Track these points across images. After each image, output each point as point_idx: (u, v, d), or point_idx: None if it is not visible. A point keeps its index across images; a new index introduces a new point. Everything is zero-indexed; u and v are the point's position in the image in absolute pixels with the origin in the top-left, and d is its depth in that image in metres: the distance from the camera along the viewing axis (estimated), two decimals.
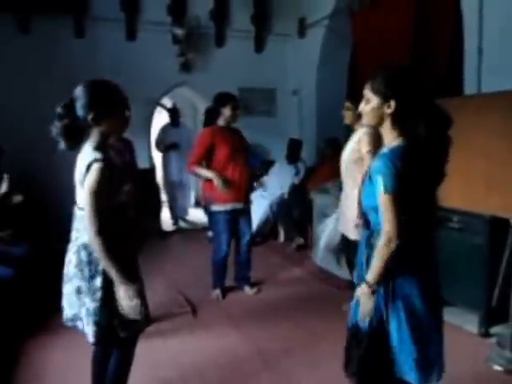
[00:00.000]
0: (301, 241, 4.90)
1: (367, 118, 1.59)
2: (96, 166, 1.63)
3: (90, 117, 1.69)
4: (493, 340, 2.76)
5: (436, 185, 1.60)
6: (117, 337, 1.78)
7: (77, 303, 1.77)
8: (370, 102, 1.56)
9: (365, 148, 2.85)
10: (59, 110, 1.70)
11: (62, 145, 1.71)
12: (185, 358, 2.68)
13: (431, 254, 1.66)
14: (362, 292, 1.58)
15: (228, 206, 3.47)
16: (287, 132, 6.10)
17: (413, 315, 1.56)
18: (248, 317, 3.24)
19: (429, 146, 1.50)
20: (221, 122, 3.48)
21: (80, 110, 1.69)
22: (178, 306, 3.38)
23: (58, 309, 3.19)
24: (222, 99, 3.48)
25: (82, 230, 1.72)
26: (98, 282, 1.71)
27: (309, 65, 5.95)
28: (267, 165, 5.70)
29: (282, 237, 5.27)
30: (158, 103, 6.01)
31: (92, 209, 1.64)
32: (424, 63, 4.00)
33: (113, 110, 1.77)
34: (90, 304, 1.72)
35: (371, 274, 1.54)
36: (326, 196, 4.11)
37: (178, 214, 6.07)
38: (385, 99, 1.51)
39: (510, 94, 2.66)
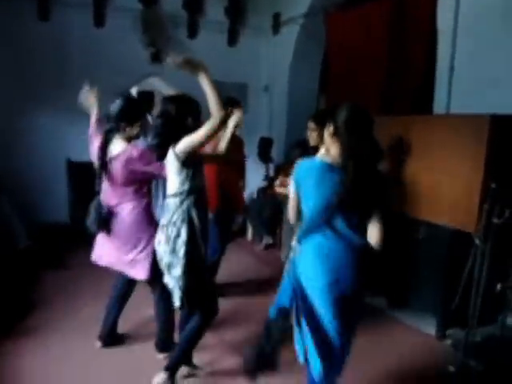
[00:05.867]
0: (269, 240, 4.98)
1: None
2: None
3: (189, 120, 2.24)
4: (449, 342, 2.98)
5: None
6: (199, 302, 2.26)
7: (168, 277, 2.22)
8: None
9: None
10: (158, 120, 2.24)
11: (161, 153, 2.22)
12: None
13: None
14: None
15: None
16: (257, 128, 6.11)
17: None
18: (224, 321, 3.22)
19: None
20: None
21: (177, 117, 2.20)
22: None
23: (25, 313, 3.17)
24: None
25: (171, 212, 2.18)
26: (182, 251, 2.13)
27: (282, 61, 5.97)
28: None
29: (250, 235, 5.33)
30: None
31: (200, 131, 2.10)
32: (398, 72, 4.11)
33: (198, 116, 2.31)
34: (176, 271, 2.15)
35: None
36: None
37: None
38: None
39: (475, 117, 2.80)
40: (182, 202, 2.17)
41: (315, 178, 1.80)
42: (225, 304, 3.40)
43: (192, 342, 2.37)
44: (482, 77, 3.30)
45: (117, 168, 2.43)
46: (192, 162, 2.17)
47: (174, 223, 2.16)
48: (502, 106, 2.79)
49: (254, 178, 5.23)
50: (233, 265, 4.24)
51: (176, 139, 2.14)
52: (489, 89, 3.20)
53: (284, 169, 5.18)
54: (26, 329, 2.99)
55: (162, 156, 2.21)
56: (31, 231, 4.41)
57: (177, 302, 2.20)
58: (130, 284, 2.79)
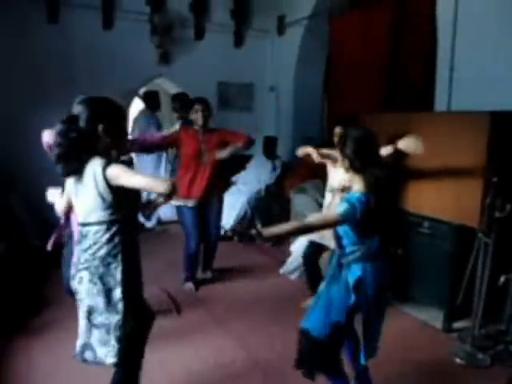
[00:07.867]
0: None
1: None
2: (111, 164, 1.69)
3: (100, 128, 1.72)
4: (455, 335, 3.05)
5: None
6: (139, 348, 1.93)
7: (85, 328, 1.77)
8: None
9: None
10: (61, 126, 1.69)
11: (66, 168, 1.70)
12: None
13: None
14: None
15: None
16: (264, 128, 6.21)
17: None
18: (228, 311, 3.38)
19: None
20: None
21: (86, 124, 1.71)
22: (161, 304, 3.43)
23: (37, 310, 3.24)
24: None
25: (94, 245, 1.74)
26: (118, 292, 1.74)
27: (287, 62, 6.07)
28: (243, 160, 5.80)
29: None
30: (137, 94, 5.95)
31: (142, 176, 1.67)
32: (399, 73, 4.19)
33: (117, 124, 1.82)
34: (112, 319, 1.73)
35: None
36: (304, 196, 4.28)
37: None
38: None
39: (476, 114, 2.90)
40: (112, 235, 1.74)
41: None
42: (232, 300, 3.56)
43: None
44: (481, 77, 3.36)
45: None
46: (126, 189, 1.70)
47: (102, 259, 1.73)
48: (502, 104, 2.87)
49: (262, 174, 5.33)
50: (241, 260, 4.35)
51: (77, 152, 1.71)
52: (489, 89, 3.27)
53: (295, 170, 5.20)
54: (39, 326, 3.03)
55: (65, 169, 1.72)
56: (43, 230, 4.49)
57: (111, 359, 1.76)
58: None
